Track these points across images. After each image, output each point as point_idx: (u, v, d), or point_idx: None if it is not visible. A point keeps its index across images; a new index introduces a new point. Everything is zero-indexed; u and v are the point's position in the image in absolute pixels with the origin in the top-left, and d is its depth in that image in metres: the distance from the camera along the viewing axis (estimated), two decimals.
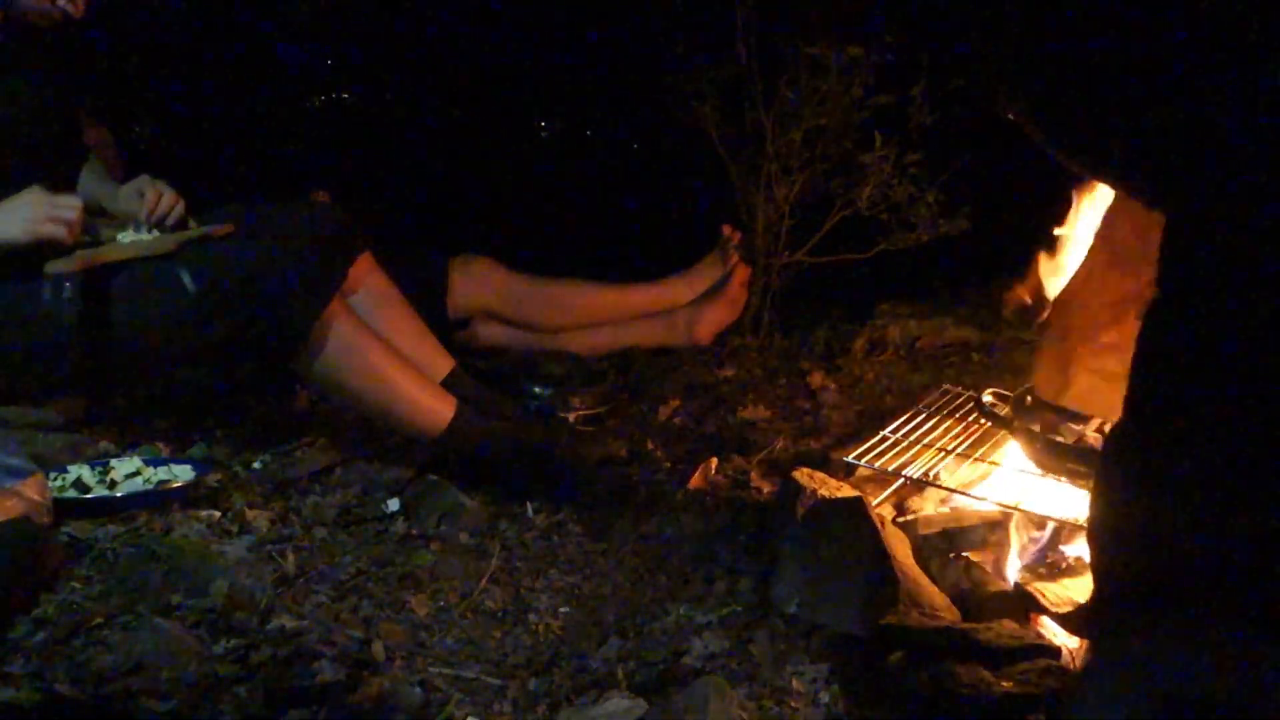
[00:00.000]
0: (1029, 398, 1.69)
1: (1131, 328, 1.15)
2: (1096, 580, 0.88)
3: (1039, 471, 1.61)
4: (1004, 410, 1.66)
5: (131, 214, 1.85)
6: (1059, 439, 1.61)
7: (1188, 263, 0.83)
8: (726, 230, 2.64)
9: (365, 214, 2.17)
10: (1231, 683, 0.70)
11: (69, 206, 1.73)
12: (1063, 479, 1.56)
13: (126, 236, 1.80)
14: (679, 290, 2.64)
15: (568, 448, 1.87)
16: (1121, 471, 0.86)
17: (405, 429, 1.87)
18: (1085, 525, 1.52)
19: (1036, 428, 1.62)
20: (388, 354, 1.85)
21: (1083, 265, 1.50)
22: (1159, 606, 0.77)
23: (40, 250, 1.70)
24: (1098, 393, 1.46)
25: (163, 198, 1.86)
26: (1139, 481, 0.83)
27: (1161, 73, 0.82)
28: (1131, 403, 0.87)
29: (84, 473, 1.69)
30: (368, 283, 1.99)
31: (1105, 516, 0.88)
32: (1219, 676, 0.70)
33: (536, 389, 2.28)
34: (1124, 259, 1.36)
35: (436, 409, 1.85)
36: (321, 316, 1.77)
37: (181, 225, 1.88)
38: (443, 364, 2.03)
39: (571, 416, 2.21)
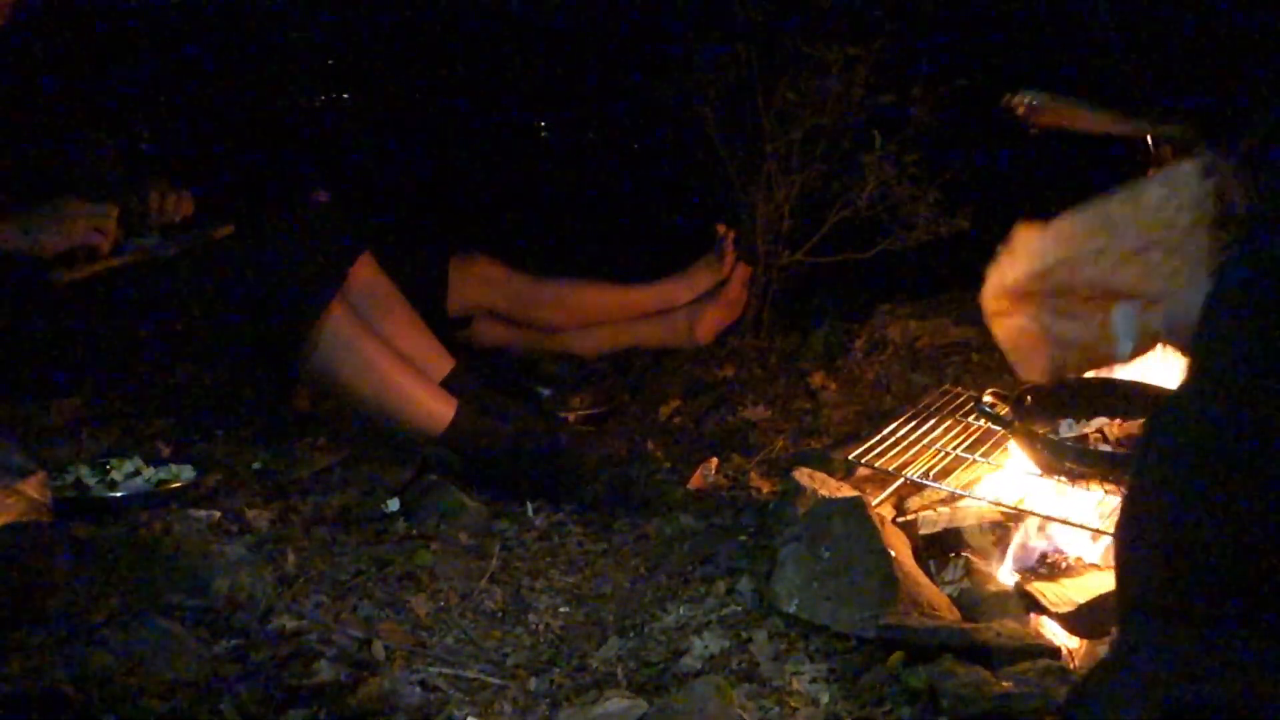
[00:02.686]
0: (1029, 398, 1.70)
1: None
2: (1118, 579, 0.83)
3: (1039, 472, 1.61)
4: (1003, 410, 1.66)
5: (137, 213, 1.84)
6: (1059, 438, 1.61)
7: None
8: (720, 229, 2.63)
9: (365, 214, 2.17)
10: (1247, 694, 0.67)
11: (106, 215, 1.74)
12: (1063, 479, 1.56)
13: (131, 242, 1.80)
14: (678, 290, 2.63)
15: (568, 447, 1.87)
16: (1160, 458, 0.78)
17: (406, 429, 1.87)
18: (1085, 526, 1.53)
19: (1037, 428, 1.62)
20: (388, 354, 1.85)
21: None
22: (1183, 611, 0.73)
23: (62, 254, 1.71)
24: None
25: (167, 197, 1.86)
26: (1179, 470, 0.76)
27: None
28: (1193, 380, 0.77)
29: (84, 473, 1.69)
30: (368, 283, 1.99)
31: (1136, 510, 0.82)
32: (1235, 686, 0.68)
33: (537, 389, 2.28)
34: None
35: (437, 409, 1.85)
36: (322, 317, 1.77)
37: (188, 224, 1.88)
38: (443, 364, 2.03)
39: (571, 416, 2.21)
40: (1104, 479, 1.52)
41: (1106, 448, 1.58)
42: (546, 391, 2.27)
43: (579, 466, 1.84)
